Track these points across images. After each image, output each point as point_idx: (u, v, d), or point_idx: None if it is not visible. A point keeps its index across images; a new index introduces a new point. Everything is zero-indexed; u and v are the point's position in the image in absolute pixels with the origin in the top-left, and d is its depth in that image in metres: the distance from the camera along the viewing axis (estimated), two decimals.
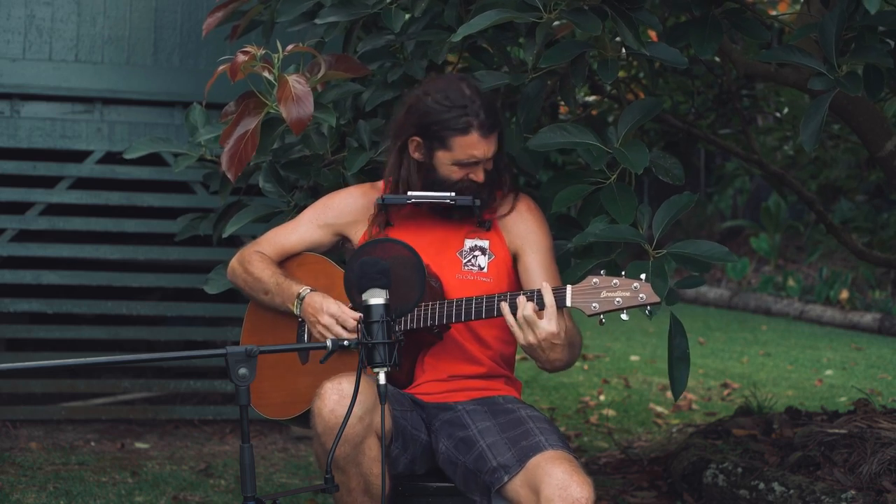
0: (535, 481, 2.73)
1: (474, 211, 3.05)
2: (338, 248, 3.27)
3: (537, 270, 3.08)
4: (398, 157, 3.11)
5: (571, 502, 2.67)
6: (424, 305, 2.92)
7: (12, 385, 5.36)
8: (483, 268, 3.07)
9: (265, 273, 3.12)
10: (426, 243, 3.07)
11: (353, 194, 3.23)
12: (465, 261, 3.08)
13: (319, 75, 3.34)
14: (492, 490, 2.82)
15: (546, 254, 3.12)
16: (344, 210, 3.20)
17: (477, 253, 3.09)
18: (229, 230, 3.65)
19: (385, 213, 3.11)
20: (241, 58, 3.24)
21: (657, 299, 2.77)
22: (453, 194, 3.03)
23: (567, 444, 2.86)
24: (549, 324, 2.79)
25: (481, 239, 3.10)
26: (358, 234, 3.17)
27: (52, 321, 5.53)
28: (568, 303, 2.80)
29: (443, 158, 3.03)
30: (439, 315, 2.91)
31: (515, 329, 2.82)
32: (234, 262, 3.23)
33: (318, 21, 3.53)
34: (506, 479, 2.79)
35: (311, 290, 3.02)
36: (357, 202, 3.20)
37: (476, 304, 2.89)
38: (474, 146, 3.00)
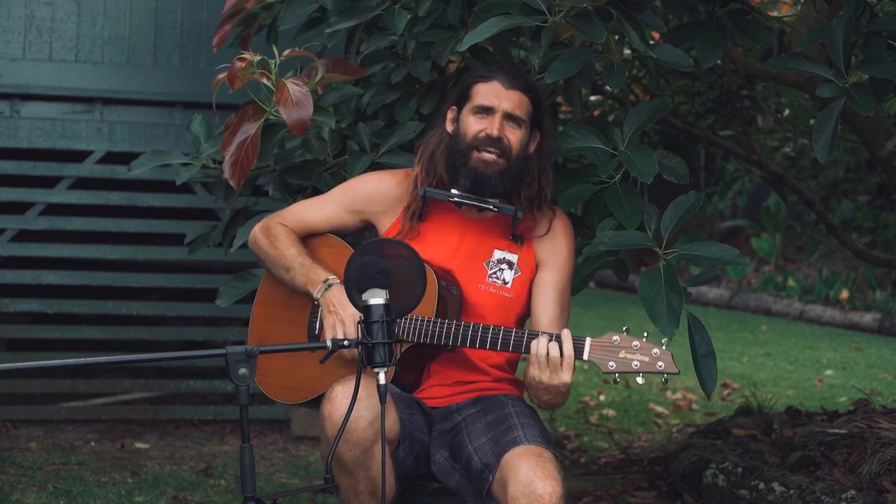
0: (504, 478, 2.72)
1: (514, 221, 3.02)
2: (362, 232, 3.23)
3: (549, 290, 3.03)
4: (436, 139, 3.11)
5: (535, 499, 2.64)
6: (447, 324, 2.87)
7: (12, 385, 5.36)
8: (507, 282, 3.04)
9: (291, 251, 3.08)
10: (455, 248, 3.05)
11: (387, 182, 3.15)
12: (490, 272, 3.04)
13: (317, 79, 3.35)
14: (483, 492, 2.82)
15: (563, 277, 3.06)
16: (375, 198, 3.14)
17: (504, 266, 3.05)
18: (238, 242, 3.64)
19: (422, 206, 3.06)
20: (239, 64, 3.25)
21: (675, 370, 2.72)
22: (497, 202, 2.99)
23: (547, 439, 2.84)
24: (564, 374, 2.75)
25: (511, 252, 3.06)
26: (386, 224, 3.12)
27: (52, 321, 5.53)
28: (585, 356, 2.76)
29: (466, 113, 3.03)
30: (459, 338, 2.86)
31: (534, 361, 2.77)
32: (257, 232, 3.18)
33: (328, 30, 3.54)
34: (490, 478, 2.78)
35: (340, 283, 2.97)
36: (390, 191, 3.14)
37: (504, 336, 2.82)
38: (494, 92, 2.99)
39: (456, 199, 3.00)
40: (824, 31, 3.05)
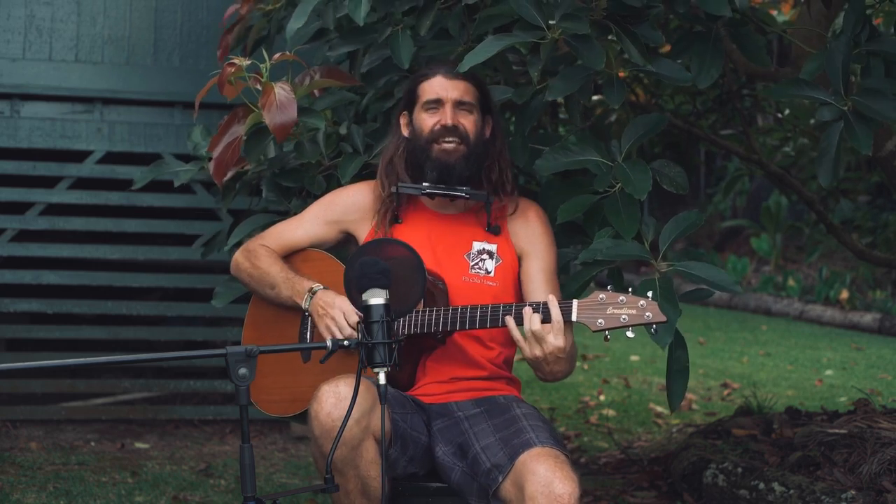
0: (521, 479, 2.73)
1: (488, 207, 3.07)
2: (342, 245, 3.26)
3: (538, 278, 3.07)
4: (392, 146, 3.19)
5: (554, 499, 2.65)
6: (429, 311, 2.91)
7: (12, 385, 5.36)
8: (490, 272, 3.07)
9: (273, 268, 3.12)
10: (434, 244, 3.08)
11: (362, 191, 3.22)
12: (472, 263, 3.07)
13: (307, 84, 3.37)
14: (489, 492, 2.82)
15: (548, 262, 3.11)
16: (350, 207, 3.20)
17: (485, 256, 3.08)
18: (232, 241, 3.66)
19: (394, 209, 3.12)
20: (228, 70, 3.27)
21: (663, 318, 2.75)
22: (467, 188, 3.05)
23: (559, 441, 2.85)
24: (555, 338, 2.76)
25: (489, 242, 3.09)
26: (364, 232, 3.16)
27: (52, 321, 5.53)
28: (574, 318, 2.78)
29: (418, 112, 3.12)
30: (444, 322, 2.90)
31: (521, 343, 2.80)
32: (238, 256, 3.23)
33: (330, 53, 3.57)
34: (500, 479, 2.78)
35: (325, 288, 3.03)
36: (364, 199, 3.19)
37: (481, 313, 2.87)
38: (439, 86, 3.09)
39: (428, 191, 3.06)
40: (825, 56, 3.05)
